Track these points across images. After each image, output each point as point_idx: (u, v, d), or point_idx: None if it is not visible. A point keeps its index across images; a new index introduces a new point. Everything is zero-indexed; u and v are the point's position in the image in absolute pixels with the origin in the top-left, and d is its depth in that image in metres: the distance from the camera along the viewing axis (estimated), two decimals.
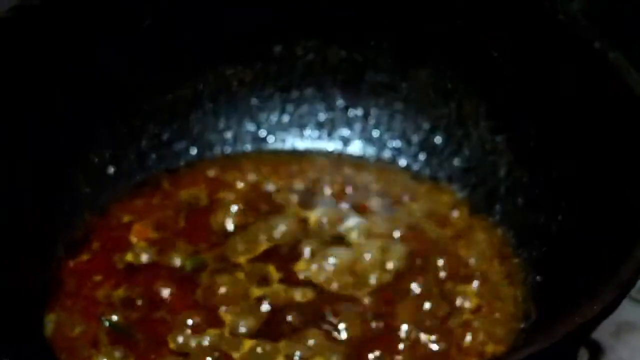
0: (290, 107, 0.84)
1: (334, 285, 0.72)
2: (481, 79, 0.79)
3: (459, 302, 0.71)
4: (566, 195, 0.72)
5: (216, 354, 0.67)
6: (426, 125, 0.81)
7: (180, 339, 0.68)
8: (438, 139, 0.81)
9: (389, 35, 0.82)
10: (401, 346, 0.67)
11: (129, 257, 0.74)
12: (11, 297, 0.68)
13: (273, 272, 0.73)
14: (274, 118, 0.84)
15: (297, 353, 0.67)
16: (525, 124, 0.76)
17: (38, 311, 0.70)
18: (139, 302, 0.71)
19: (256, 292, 0.71)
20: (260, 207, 0.78)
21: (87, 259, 0.74)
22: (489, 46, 0.77)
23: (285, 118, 0.84)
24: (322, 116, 0.84)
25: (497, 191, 0.77)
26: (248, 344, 0.68)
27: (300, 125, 0.84)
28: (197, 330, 0.69)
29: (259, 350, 0.67)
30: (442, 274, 0.73)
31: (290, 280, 0.72)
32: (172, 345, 0.68)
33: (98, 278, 0.73)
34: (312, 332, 0.68)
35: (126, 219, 0.77)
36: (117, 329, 0.69)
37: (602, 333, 0.74)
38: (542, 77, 0.75)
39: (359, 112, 0.83)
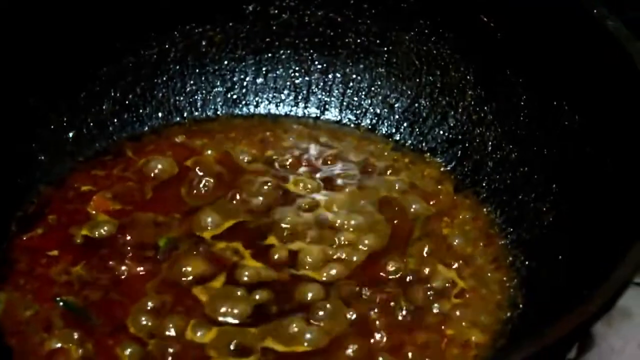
0: (263, 70, 0.79)
1: (307, 265, 0.67)
2: (469, 45, 0.74)
3: (441, 286, 0.66)
4: (558, 175, 0.67)
5: (179, 340, 0.62)
6: (409, 92, 0.77)
7: (141, 323, 0.63)
8: (422, 107, 0.76)
9: None
10: (378, 336, 0.62)
11: (88, 231, 0.69)
12: None
13: (243, 250, 0.68)
14: (246, 81, 0.79)
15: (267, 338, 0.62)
16: (516, 96, 0.71)
17: None
18: (99, 281, 0.65)
19: (225, 273, 0.66)
20: (230, 178, 0.73)
21: (42, 233, 0.69)
22: (478, 9, 0.72)
23: (259, 81, 0.79)
24: (298, 80, 0.79)
25: (483, 166, 0.72)
26: (214, 329, 0.62)
27: (274, 89, 0.79)
28: (160, 314, 0.63)
29: (226, 336, 0.62)
30: (423, 255, 0.67)
31: (261, 259, 0.67)
32: (132, 330, 0.63)
33: (53, 254, 0.67)
34: (288, 319, 0.63)
35: (85, 189, 0.72)
36: (73, 310, 0.64)
37: None
38: (535, 45, 0.70)
39: (337, 76, 0.78)
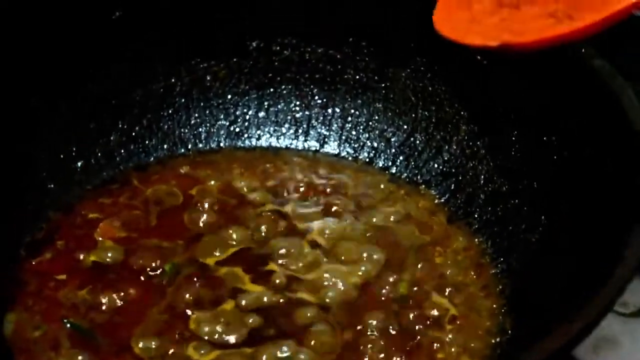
0: (265, 104, 0.82)
1: (304, 290, 0.69)
2: (463, 82, 0.77)
3: (432, 313, 0.68)
4: (547, 207, 0.70)
5: None
6: (405, 127, 0.80)
7: (145, 344, 0.65)
8: (417, 142, 0.79)
9: (367, 33, 0.80)
10: (371, 357, 0.65)
11: (95, 256, 0.72)
12: None
13: (243, 275, 0.70)
14: (248, 114, 0.82)
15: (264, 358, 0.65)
16: (507, 131, 0.74)
17: None
18: (104, 304, 0.68)
19: (226, 297, 0.69)
20: (232, 207, 0.76)
21: (50, 257, 0.72)
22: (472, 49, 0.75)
23: (261, 114, 0.82)
24: (298, 114, 0.82)
25: (476, 198, 0.75)
26: (215, 352, 0.65)
27: (276, 123, 0.82)
28: (163, 335, 0.66)
29: (226, 358, 0.65)
30: (416, 282, 0.70)
31: (260, 284, 0.70)
32: (136, 350, 0.65)
33: (61, 277, 0.70)
34: (281, 340, 0.66)
35: (92, 216, 0.75)
36: (80, 331, 0.66)
37: (579, 348, 0.71)
38: (527, 83, 0.72)
39: (336, 111, 0.81)
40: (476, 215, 0.74)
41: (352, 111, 0.81)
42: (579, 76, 0.69)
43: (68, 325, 0.67)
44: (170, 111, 0.80)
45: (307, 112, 0.82)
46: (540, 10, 0.68)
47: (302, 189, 0.78)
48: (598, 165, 0.67)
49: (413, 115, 0.79)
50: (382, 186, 0.78)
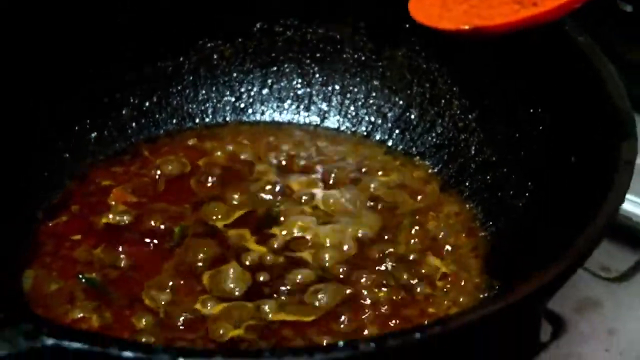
0: (269, 81, 0.86)
1: (303, 251, 0.74)
2: (455, 60, 0.81)
3: (425, 271, 0.73)
4: (532, 175, 0.74)
5: (189, 312, 0.69)
6: (401, 103, 0.84)
7: (155, 297, 0.70)
8: (412, 116, 0.83)
9: (366, 15, 0.84)
10: (367, 312, 0.69)
11: (107, 218, 0.76)
12: None
13: (249, 237, 0.75)
14: (253, 91, 0.86)
15: (267, 309, 0.69)
16: (496, 104, 0.79)
17: (17, 269, 0.72)
18: (117, 262, 0.72)
19: (231, 255, 0.73)
20: (238, 175, 0.80)
21: (66, 220, 0.76)
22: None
23: (264, 91, 0.86)
24: (300, 91, 0.86)
25: (467, 168, 0.79)
26: (220, 305, 0.69)
27: (278, 99, 0.86)
28: (172, 289, 0.70)
29: (232, 310, 0.69)
30: (411, 245, 0.75)
31: (264, 245, 0.74)
32: (146, 302, 0.70)
33: (76, 238, 0.75)
34: (284, 297, 0.70)
35: (105, 183, 0.79)
36: (94, 285, 0.71)
37: (564, 308, 0.76)
38: (514, 59, 0.77)
39: (336, 87, 0.86)
40: (467, 184, 0.79)
41: (351, 88, 0.85)
42: (562, 51, 0.74)
43: (83, 280, 0.71)
44: (179, 87, 0.85)
45: (308, 89, 0.86)
46: None
47: (303, 160, 0.82)
48: (579, 135, 0.71)
49: (408, 91, 0.84)
50: (379, 158, 0.83)
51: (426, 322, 0.66)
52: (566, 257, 0.59)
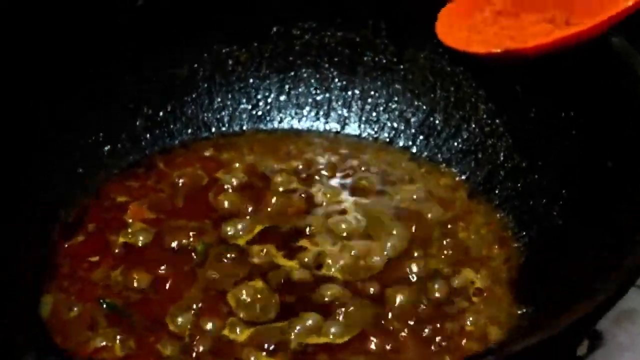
0: (286, 87, 0.83)
1: (333, 268, 0.71)
2: (480, 63, 0.78)
3: (459, 285, 0.70)
4: (566, 181, 0.71)
5: (217, 338, 0.66)
6: (424, 107, 0.81)
7: (179, 321, 0.67)
8: (437, 121, 0.80)
9: (386, 16, 0.81)
10: (402, 331, 0.66)
11: (126, 237, 0.73)
12: (6, 280, 0.67)
13: (274, 252, 0.72)
14: (270, 98, 0.83)
15: (297, 331, 0.66)
16: (524, 109, 0.76)
17: (33, 293, 0.69)
18: (137, 284, 0.70)
19: (258, 274, 0.70)
20: (257, 188, 0.78)
21: (82, 240, 0.73)
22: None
23: (282, 98, 0.83)
24: (319, 96, 0.83)
25: (496, 175, 0.77)
26: (248, 329, 0.67)
27: (297, 105, 0.83)
28: (197, 312, 0.68)
29: (261, 334, 0.66)
30: (442, 257, 0.72)
31: (293, 260, 0.71)
32: (171, 327, 0.67)
33: (94, 259, 0.72)
34: (312, 314, 0.67)
35: (121, 199, 0.77)
36: (115, 310, 0.68)
37: (602, 320, 0.73)
38: (543, 62, 0.74)
39: (356, 92, 0.83)
40: (496, 191, 0.76)
41: (372, 93, 0.83)
42: (596, 52, 0.71)
43: (103, 304, 0.68)
44: (193, 96, 0.82)
45: (327, 95, 0.83)
46: (539, 17, 0.71)
47: (325, 170, 0.79)
48: (615, 139, 0.68)
49: (432, 95, 0.81)
50: (403, 165, 0.80)
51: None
52: (617, 277, 0.56)
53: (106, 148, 0.79)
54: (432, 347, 0.66)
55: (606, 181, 0.68)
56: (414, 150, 0.81)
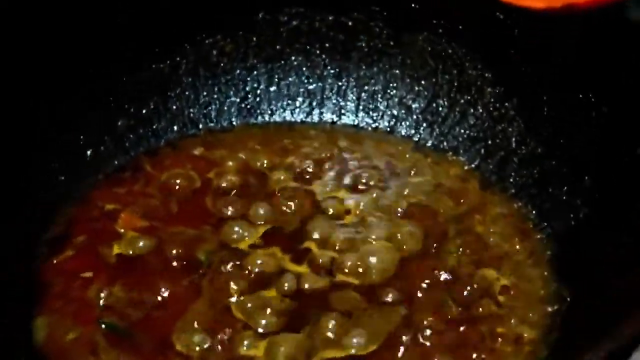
0: (276, 78, 0.78)
1: (346, 272, 0.66)
2: (485, 43, 0.74)
3: (483, 285, 0.65)
4: (589, 168, 0.67)
5: (228, 354, 0.61)
6: (426, 93, 0.77)
7: (188, 340, 0.62)
8: (440, 107, 0.76)
9: None
10: (428, 338, 0.62)
11: (119, 249, 0.68)
12: None
13: (280, 255, 0.67)
14: (259, 89, 0.78)
15: (316, 343, 0.62)
16: (537, 91, 0.71)
17: (25, 317, 0.63)
18: (138, 301, 0.64)
19: (267, 281, 0.65)
20: (254, 187, 0.72)
21: (72, 254, 0.68)
22: (493, 7, 0.72)
23: (272, 89, 0.78)
24: (311, 86, 0.78)
25: (509, 162, 0.73)
26: (263, 342, 0.62)
27: (288, 96, 0.78)
28: (206, 328, 0.62)
29: (278, 346, 0.61)
30: (460, 255, 0.67)
31: (301, 265, 0.67)
32: (178, 347, 0.62)
33: (87, 275, 0.66)
34: (330, 321, 0.62)
35: (109, 207, 0.71)
36: (116, 331, 0.63)
37: None
38: (554, 38, 0.70)
39: (351, 80, 0.78)
40: (511, 180, 0.72)
41: (368, 79, 0.78)
42: (612, 26, 0.66)
43: (103, 325, 0.63)
44: (177, 91, 0.77)
45: (320, 84, 0.78)
46: None
47: (324, 164, 0.74)
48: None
49: (433, 79, 0.76)
50: (407, 155, 0.75)
51: None
52: None
53: (88, 152, 0.73)
54: (465, 355, 0.61)
55: (633, 168, 0.63)
56: (417, 138, 0.76)
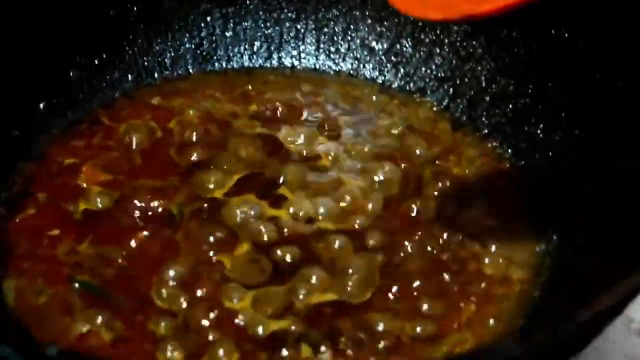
0: (231, 22, 0.75)
1: (325, 217, 0.64)
2: None
3: (467, 225, 0.64)
4: (565, 105, 0.66)
5: (213, 308, 0.58)
6: (389, 34, 0.75)
7: (167, 294, 0.59)
8: (404, 48, 0.74)
9: None
10: (419, 282, 0.60)
11: (84, 204, 0.64)
12: None
13: (257, 201, 0.64)
14: (214, 35, 0.75)
15: (302, 293, 0.59)
16: (506, 28, 0.70)
17: None
18: (111, 258, 0.61)
19: (245, 231, 0.62)
20: (219, 134, 0.70)
21: (34, 212, 0.64)
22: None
23: (228, 34, 0.75)
24: (268, 30, 0.76)
25: (480, 102, 0.71)
26: (249, 294, 0.59)
27: (245, 41, 0.76)
28: (185, 282, 0.60)
29: (261, 298, 0.59)
30: (440, 196, 0.66)
31: (278, 209, 0.64)
32: (158, 303, 0.59)
33: (54, 233, 0.63)
34: (313, 270, 0.60)
35: (69, 162, 0.67)
36: (91, 290, 0.59)
37: None
38: None
39: (310, 23, 0.75)
40: (483, 119, 0.71)
41: (327, 22, 0.76)
42: None
43: (76, 284, 0.60)
44: (129, 39, 0.73)
45: (277, 27, 0.76)
46: None
47: (289, 109, 0.72)
48: (618, 49, 0.63)
49: (396, 20, 0.74)
50: (373, 98, 0.73)
51: None
52: None
53: (41, 105, 0.69)
54: (455, 298, 0.60)
55: (615, 103, 0.62)
56: (382, 80, 0.74)
